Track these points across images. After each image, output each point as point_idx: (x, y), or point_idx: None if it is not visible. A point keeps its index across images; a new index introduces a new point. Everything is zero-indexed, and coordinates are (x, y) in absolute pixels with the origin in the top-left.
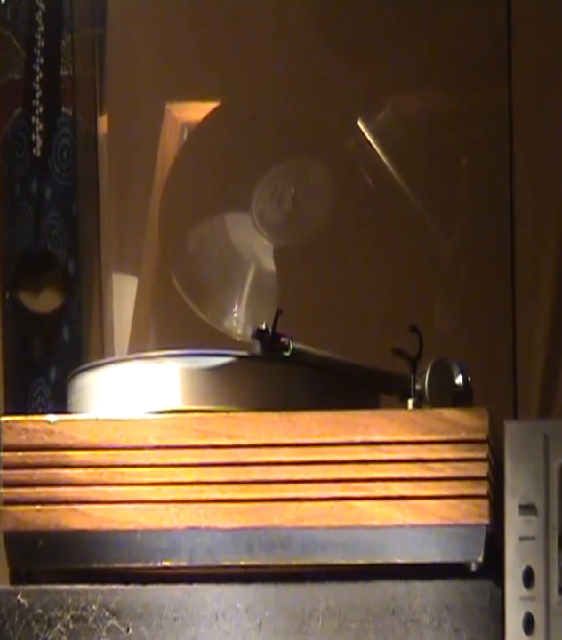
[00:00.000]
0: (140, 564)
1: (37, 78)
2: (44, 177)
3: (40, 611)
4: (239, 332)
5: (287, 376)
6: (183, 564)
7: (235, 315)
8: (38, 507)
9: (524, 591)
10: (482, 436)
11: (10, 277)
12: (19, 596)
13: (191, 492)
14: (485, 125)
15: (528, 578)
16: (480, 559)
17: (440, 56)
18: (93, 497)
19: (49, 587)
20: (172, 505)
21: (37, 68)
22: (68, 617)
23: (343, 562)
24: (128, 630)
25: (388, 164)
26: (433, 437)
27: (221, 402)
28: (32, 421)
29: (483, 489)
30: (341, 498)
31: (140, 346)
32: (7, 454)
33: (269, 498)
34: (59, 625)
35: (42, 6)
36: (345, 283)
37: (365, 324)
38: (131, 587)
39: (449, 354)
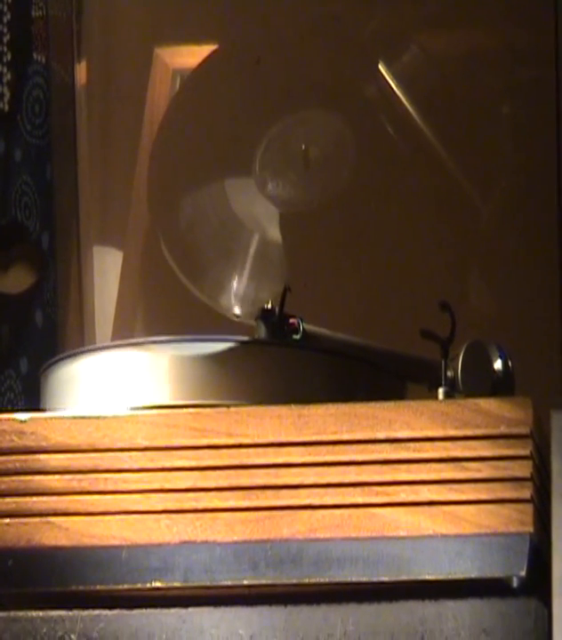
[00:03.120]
0: (126, 586)
1: (4, 19)
2: (13, 135)
3: None
4: (241, 312)
5: (297, 363)
6: (177, 584)
7: (236, 293)
8: (7, 520)
9: None
10: (525, 429)
11: None
12: None
13: (186, 501)
14: (530, 68)
15: None
16: (523, 574)
17: None
18: (72, 508)
19: (20, 613)
20: (163, 516)
21: (4, 8)
22: None
23: (364, 579)
24: None
25: (414, 114)
26: (468, 432)
27: (221, 395)
28: None
29: (526, 492)
30: (361, 505)
31: (125, 331)
32: None
33: (277, 506)
34: None
35: None
36: (365, 254)
37: (387, 302)
38: (116, 612)
39: (486, 335)
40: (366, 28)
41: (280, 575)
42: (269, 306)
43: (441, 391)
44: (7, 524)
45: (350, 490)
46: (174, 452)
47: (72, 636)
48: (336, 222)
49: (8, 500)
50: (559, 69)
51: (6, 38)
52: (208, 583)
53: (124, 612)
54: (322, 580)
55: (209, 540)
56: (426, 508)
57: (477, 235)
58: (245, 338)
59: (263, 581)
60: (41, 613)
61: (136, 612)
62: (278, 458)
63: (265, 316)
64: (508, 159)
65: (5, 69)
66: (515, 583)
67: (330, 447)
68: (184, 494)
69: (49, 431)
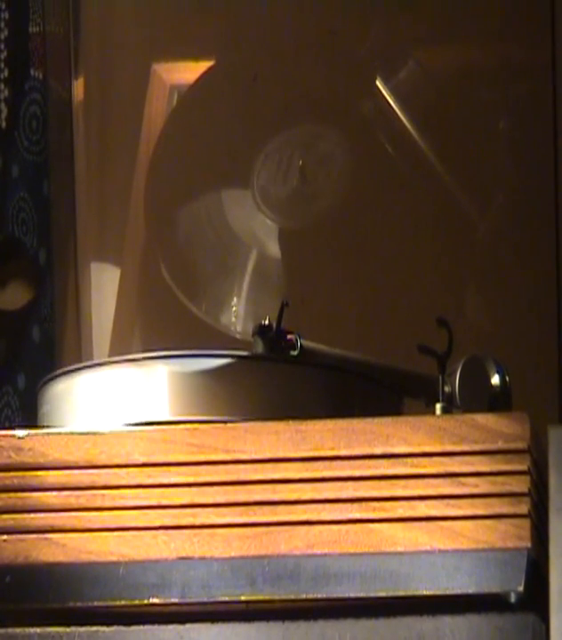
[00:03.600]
0: (124, 602)
1: (1, 36)
2: (11, 151)
3: None
4: (239, 328)
5: (295, 379)
6: (174, 600)
7: (234, 309)
8: (4, 537)
9: None
10: (522, 445)
11: None
12: None
13: (183, 517)
14: (526, 83)
15: None
16: (521, 589)
17: (472, 2)
18: (69, 524)
19: (17, 630)
20: (160, 532)
21: (1, 24)
22: None
23: (361, 595)
24: None
25: (411, 129)
26: (465, 448)
27: (218, 411)
28: None
29: (524, 507)
30: (359, 520)
31: (123, 347)
32: None
33: (275, 522)
34: None
35: None
36: (362, 270)
37: (385, 318)
38: (114, 628)
39: (484, 350)
40: (364, 44)
41: (278, 591)
42: (267, 321)
43: (438, 406)
44: (5, 541)
45: (348, 505)
46: (172, 468)
47: None
48: (333, 237)
49: (6, 516)
50: (556, 84)
51: (3, 54)
52: (206, 599)
53: (122, 628)
54: (319, 596)
55: (206, 556)
56: (423, 524)
57: (475, 250)
58: (243, 353)
59: (261, 597)
60: (38, 630)
61: (134, 628)
62: (276, 473)
63: (262, 331)
64: (505, 174)
65: (2, 86)
66: (513, 598)
67: (327, 462)
68: (181, 510)
69: (46, 447)
